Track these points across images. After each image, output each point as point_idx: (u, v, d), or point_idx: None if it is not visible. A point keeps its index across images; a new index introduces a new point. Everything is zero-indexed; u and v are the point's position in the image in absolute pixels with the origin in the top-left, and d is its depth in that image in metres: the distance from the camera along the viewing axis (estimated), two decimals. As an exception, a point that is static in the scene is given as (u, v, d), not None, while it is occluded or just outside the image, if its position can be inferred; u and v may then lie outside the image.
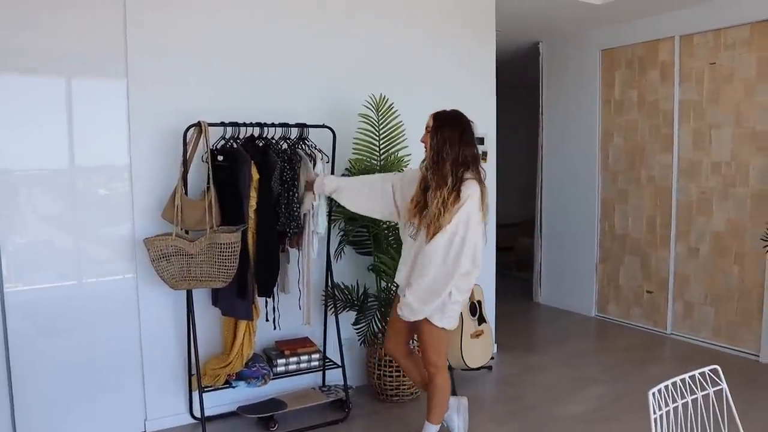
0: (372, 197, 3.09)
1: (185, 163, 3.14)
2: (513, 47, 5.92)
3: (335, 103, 3.78)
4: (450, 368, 4.04)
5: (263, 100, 3.54)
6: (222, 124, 3.21)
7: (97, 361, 3.22)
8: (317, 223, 3.27)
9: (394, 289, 3.75)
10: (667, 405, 1.72)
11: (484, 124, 4.55)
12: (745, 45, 4.40)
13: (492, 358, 4.29)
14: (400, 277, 2.95)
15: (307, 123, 3.46)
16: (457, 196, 2.71)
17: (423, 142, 2.93)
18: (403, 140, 3.69)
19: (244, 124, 3.25)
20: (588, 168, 5.63)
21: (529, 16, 4.94)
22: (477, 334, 4.07)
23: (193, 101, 3.33)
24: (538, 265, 6.21)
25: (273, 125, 3.33)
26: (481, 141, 4.52)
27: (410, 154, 3.74)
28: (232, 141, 3.26)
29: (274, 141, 3.34)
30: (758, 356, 4.44)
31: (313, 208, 3.27)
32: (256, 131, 3.32)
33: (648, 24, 4.97)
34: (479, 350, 4.09)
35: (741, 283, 4.56)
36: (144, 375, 3.35)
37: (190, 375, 3.41)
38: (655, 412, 1.66)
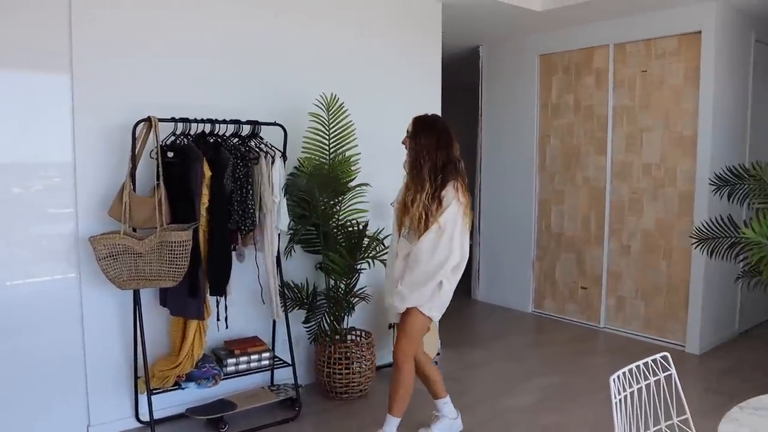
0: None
1: (134, 159, 3.06)
2: (455, 50, 6.04)
3: (287, 102, 3.76)
4: (398, 365, 4.11)
5: (214, 97, 3.48)
6: (172, 119, 3.14)
7: (36, 365, 3.07)
8: (279, 219, 3.25)
9: (342, 288, 3.78)
10: (625, 390, 1.82)
11: (430, 124, 4.63)
12: (674, 55, 4.68)
13: (438, 353, 4.37)
14: (395, 275, 3.02)
15: (259, 120, 3.43)
16: (440, 202, 2.85)
17: (403, 144, 3.03)
18: (353, 140, 3.71)
19: (195, 120, 3.20)
20: (526, 169, 5.82)
21: (471, 21, 5.06)
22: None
23: (141, 97, 3.23)
24: (476, 264, 6.37)
25: (224, 122, 3.29)
26: (427, 141, 4.59)
27: (359, 153, 3.76)
28: (182, 137, 3.20)
29: (225, 138, 3.29)
30: (684, 346, 4.72)
31: (273, 204, 3.25)
32: (207, 128, 3.26)
33: (584, 32, 5.19)
34: (426, 347, 4.15)
35: (669, 278, 4.84)
36: (87, 379, 3.22)
37: (136, 378, 3.31)
38: (615, 397, 1.75)
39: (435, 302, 2.95)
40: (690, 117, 4.62)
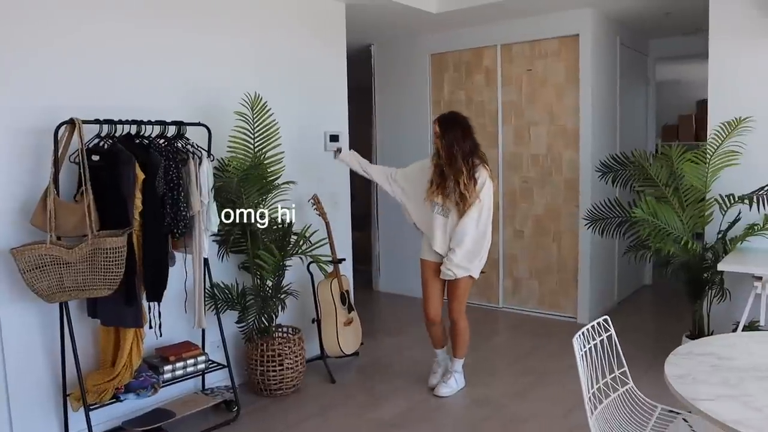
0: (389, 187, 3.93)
1: (56, 164, 2.90)
2: (348, 50, 6.17)
3: (206, 102, 3.72)
4: (325, 357, 4.22)
5: (135, 98, 3.37)
6: (97, 121, 3.01)
7: (-46, 391, 2.83)
8: (209, 220, 3.22)
9: (270, 286, 3.81)
10: (582, 348, 2.09)
11: (338, 123, 4.78)
12: (556, 55, 5.16)
13: (362, 343, 4.52)
14: (438, 246, 3.64)
15: (184, 120, 3.37)
16: (475, 181, 3.50)
17: (435, 143, 3.63)
18: (278, 138, 3.75)
19: (121, 122, 3.08)
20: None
21: (365, 21, 5.22)
22: (348, 322, 4.27)
23: (59, 99, 3.06)
24: (377, 255, 6.58)
25: (150, 123, 3.20)
26: (336, 138, 4.73)
27: (283, 152, 3.81)
28: (107, 140, 3.07)
29: (153, 139, 3.21)
30: (575, 318, 5.24)
31: (202, 206, 3.21)
32: (133, 129, 3.16)
33: (474, 33, 5.56)
34: (351, 337, 4.29)
35: (559, 258, 5.34)
36: (9, 401, 2.99)
37: (65, 395, 3.13)
38: (579, 351, 2.01)
39: (480, 265, 3.65)
40: (572, 111, 5.13)
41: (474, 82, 5.69)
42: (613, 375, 2.36)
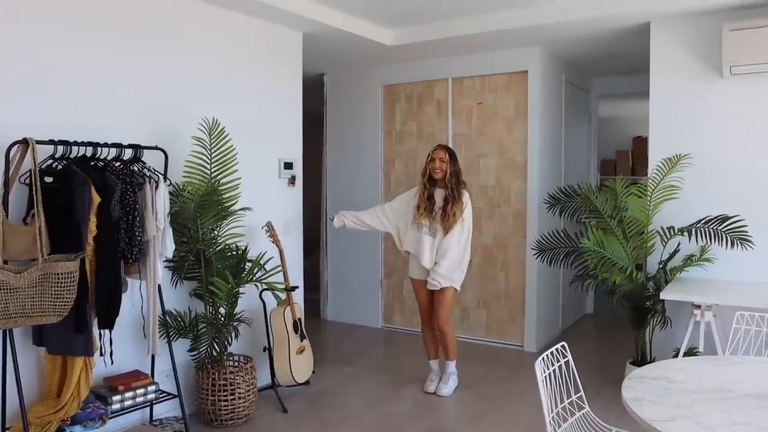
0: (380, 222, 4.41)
1: (7, 185, 2.80)
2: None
3: (163, 126, 3.68)
4: (276, 385, 4.17)
5: (93, 119, 3.30)
6: (51, 142, 2.93)
7: None
8: (165, 246, 3.16)
9: (223, 314, 3.75)
10: (543, 372, 2.15)
11: (293, 150, 4.79)
12: (505, 90, 5.36)
13: (313, 372, 4.47)
14: (427, 263, 4.14)
15: (141, 144, 3.32)
16: (461, 202, 4.10)
17: (437, 168, 4.10)
18: (235, 164, 3.73)
19: (77, 143, 3.01)
20: (371, 192, 6.15)
21: (320, 50, 5.26)
22: (301, 350, 4.23)
23: (12, 117, 2.96)
24: (325, 284, 6.56)
25: (107, 145, 3.14)
26: (290, 166, 4.74)
27: (240, 178, 3.79)
28: (61, 161, 2.99)
29: (108, 162, 3.14)
30: (522, 346, 5.35)
31: (158, 231, 3.15)
32: (89, 151, 3.09)
33: (426, 66, 5.71)
34: (304, 365, 4.25)
35: (507, 288, 5.46)
36: (-57, 436, 2.84)
37: (4, 429, 2.97)
38: (541, 375, 2.07)
39: (461, 277, 4.19)
40: (520, 145, 5.31)
41: (425, 113, 5.82)
42: (570, 399, 2.43)
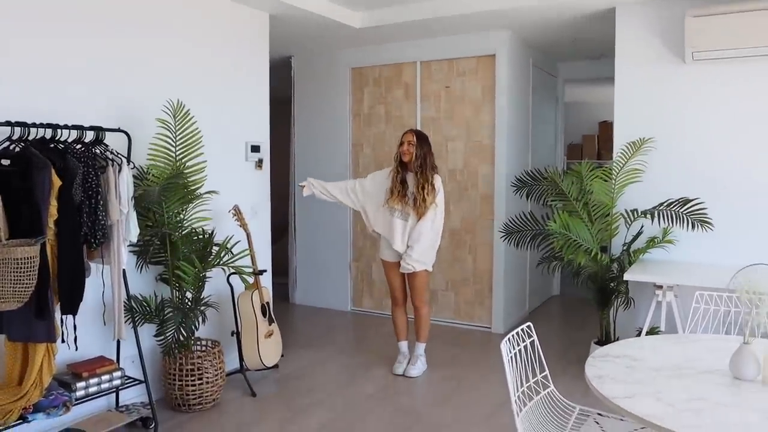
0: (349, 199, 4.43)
1: (-39, 168, 2.72)
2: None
3: (127, 109, 3.60)
4: (245, 370, 4.15)
5: (54, 101, 3.20)
6: (8, 123, 2.84)
7: None
8: (129, 230, 3.10)
9: (190, 298, 3.71)
10: (509, 352, 2.18)
11: (260, 133, 4.74)
12: (473, 74, 5.37)
13: (282, 356, 4.47)
14: (398, 246, 4.17)
15: (103, 126, 3.24)
16: (434, 187, 4.09)
17: (405, 152, 4.11)
18: (200, 147, 3.68)
19: (35, 125, 2.93)
20: (340, 176, 6.09)
21: (287, 33, 5.20)
22: (269, 334, 4.22)
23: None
24: (293, 268, 6.54)
25: (67, 127, 3.06)
26: (257, 149, 4.69)
27: (206, 161, 3.73)
28: (18, 143, 2.91)
29: (69, 144, 3.06)
30: (490, 327, 5.42)
31: (122, 215, 3.09)
32: (48, 133, 3.01)
33: (394, 49, 5.68)
34: (272, 349, 4.24)
35: (475, 270, 5.51)
36: None
37: (-37, 418, 2.91)
38: (507, 355, 2.10)
39: (432, 260, 4.24)
40: (488, 128, 5.34)
41: (393, 96, 5.80)
42: (536, 378, 2.47)
